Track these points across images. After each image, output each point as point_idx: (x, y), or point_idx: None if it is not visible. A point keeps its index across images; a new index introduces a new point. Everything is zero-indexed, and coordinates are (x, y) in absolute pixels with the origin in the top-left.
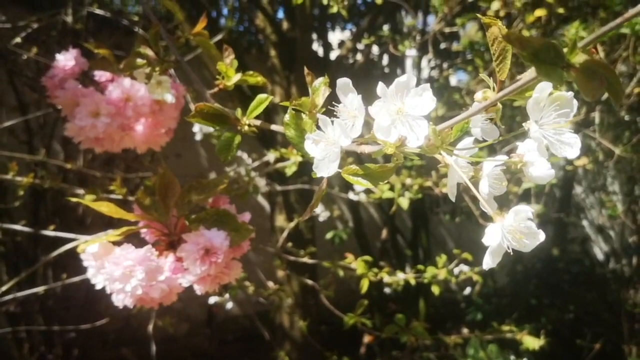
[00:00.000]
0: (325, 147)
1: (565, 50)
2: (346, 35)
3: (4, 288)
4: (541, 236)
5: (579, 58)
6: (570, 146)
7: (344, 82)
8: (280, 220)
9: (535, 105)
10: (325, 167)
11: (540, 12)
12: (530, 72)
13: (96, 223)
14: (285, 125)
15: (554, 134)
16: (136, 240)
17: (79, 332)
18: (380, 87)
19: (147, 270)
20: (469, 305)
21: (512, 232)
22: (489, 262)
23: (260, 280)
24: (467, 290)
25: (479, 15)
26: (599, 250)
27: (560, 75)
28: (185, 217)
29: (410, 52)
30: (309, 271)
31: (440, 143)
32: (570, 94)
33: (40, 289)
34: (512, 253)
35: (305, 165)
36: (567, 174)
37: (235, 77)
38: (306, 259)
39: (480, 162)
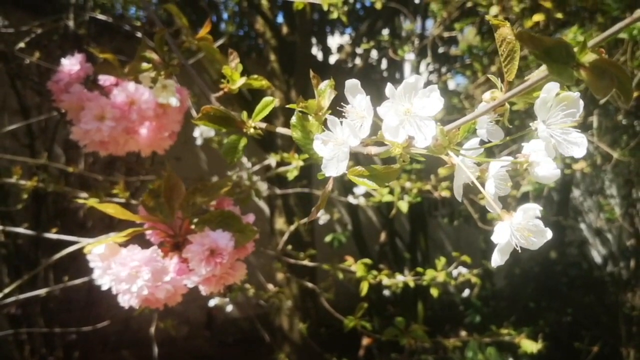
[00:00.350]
0: (334, 147)
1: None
2: (345, 39)
3: (6, 291)
4: (548, 234)
5: (589, 57)
6: (577, 145)
7: (352, 84)
8: (280, 223)
9: (543, 106)
10: (333, 167)
11: (538, 17)
12: (539, 72)
13: (97, 226)
14: (292, 127)
15: (561, 133)
16: (140, 242)
17: (79, 334)
18: (389, 88)
19: (153, 270)
20: (467, 308)
21: (520, 230)
22: (497, 259)
23: (260, 283)
24: (466, 293)
25: (487, 17)
26: (597, 253)
27: (570, 74)
28: (190, 218)
29: (409, 57)
30: (308, 274)
31: (447, 143)
32: (577, 94)
33: (41, 292)
34: (520, 251)
35: (305, 169)
36: (565, 178)
37: (240, 81)
38: (306, 262)
39: (486, 162)
